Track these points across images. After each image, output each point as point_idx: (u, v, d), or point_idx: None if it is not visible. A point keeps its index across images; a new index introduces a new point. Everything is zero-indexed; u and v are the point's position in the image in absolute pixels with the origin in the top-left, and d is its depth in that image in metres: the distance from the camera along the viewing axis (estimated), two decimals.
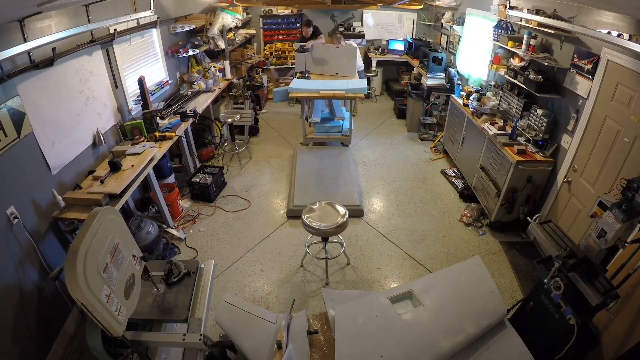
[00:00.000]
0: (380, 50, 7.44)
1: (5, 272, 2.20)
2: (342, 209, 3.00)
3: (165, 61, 4.56)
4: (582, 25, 2.77)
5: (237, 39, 6.18)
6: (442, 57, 5.77)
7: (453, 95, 4.95)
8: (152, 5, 3.81)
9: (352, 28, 7.19)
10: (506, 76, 3.87)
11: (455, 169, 4.80)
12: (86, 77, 3.06)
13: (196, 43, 5.11)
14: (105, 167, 3.01)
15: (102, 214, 1.59)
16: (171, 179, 4.13)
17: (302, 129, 5.49)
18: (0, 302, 2.14)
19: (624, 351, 2.02)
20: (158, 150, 3.33)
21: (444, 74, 5.67)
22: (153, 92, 4.15)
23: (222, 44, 5.53)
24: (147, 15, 3.80)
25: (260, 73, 7.11)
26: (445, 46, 6.26)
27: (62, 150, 2.77)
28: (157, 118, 3.77)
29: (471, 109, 4.28)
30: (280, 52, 7.47)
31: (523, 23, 3.62)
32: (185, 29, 4.82)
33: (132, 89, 3.79)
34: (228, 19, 5.52)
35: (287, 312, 2.48)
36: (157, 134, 3.54)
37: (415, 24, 7.39)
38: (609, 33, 2.52)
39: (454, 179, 4.64)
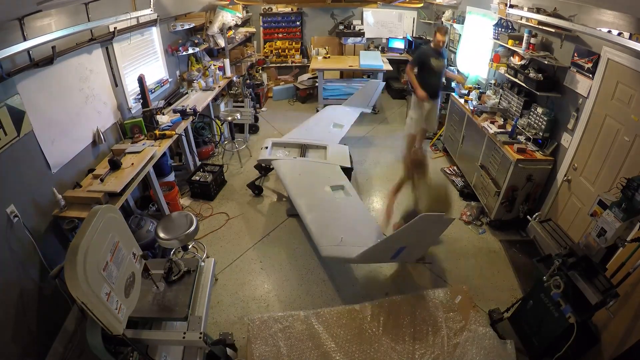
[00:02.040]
0: (380, 48, 7.42)
1: (5, 271, 2.20)
2: None
3: (165, 59, 4.55)
4: (583, 23, 2.77)
5: (237, 37, 6.16)
6: None
7: (453, 93, 4.94)
8: (151, 3, 3.80)
9: (352, 26, 7.18)
10: (506, 74, 3.86)
11: (455, 167, 4.79)
12: (86, 75, 3.05)
13: (196, 41, 5.09)
14: (105, 166, 3.01)
15: (102, 213, 1.60)
16: (171, 177, 4.13)
17: None
18: (0, 300, 2.15)
19: (623, 350, 2.03)
20: (158, 149, 3.33)
21: None
22: (153, 91, 4.14)
23: (222, 42, 5.52)
24: (147, 14, 3.79)
25: (260, 71, 7.11)
26: (445, 44, 6.24)
27: (62, 148, 2.76)
28: (157, 116, 3.77)
29: (471, 108, 4.27)
30: (280, 51, 7.46)
31: (523, 21, 3.61)
32: (185, 27, 4.80)
33: (132, 87, 3.78)
34: (228, 17, 5.50)
35: None
36: (157, 132, 3.53)
37: (415, 22, 7.36)
38: (609, 32, 2.52)
39: (453, 177, 4.64)
